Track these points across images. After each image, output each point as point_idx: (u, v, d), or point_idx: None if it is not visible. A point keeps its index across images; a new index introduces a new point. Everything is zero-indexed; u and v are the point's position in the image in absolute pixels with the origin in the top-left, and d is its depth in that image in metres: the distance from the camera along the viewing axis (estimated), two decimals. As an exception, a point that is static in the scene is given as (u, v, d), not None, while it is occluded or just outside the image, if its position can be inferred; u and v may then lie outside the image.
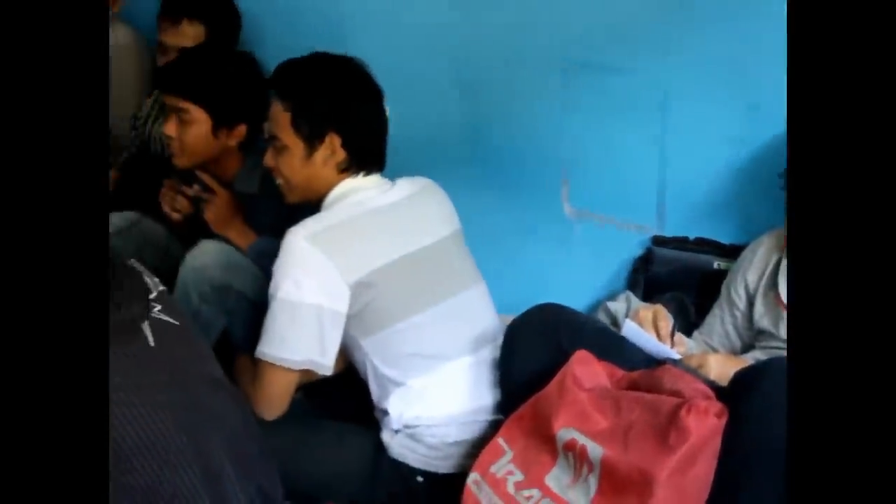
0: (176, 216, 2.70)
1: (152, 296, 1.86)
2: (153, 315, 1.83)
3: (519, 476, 1.92)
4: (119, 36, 3.28)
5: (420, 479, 2.17)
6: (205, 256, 2.40)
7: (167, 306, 1.89)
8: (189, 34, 2.96)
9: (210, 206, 2.57)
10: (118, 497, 1.72)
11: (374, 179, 2.21)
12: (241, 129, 2.54)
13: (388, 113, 2.28)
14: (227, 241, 2.53)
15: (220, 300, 2.39)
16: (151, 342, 1.79)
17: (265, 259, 2.40)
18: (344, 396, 2.30)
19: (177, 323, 1.88)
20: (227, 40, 3.05)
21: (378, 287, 2.09)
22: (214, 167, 2.61)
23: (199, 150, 2.52)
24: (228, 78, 2.51)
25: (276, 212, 2.45)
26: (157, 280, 1.94)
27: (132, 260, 1.93)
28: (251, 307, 2.40)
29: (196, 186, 2.60)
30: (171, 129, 2.50)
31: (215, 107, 2.47)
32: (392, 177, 2.24)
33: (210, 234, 2.54)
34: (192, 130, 2.49)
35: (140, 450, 1.73)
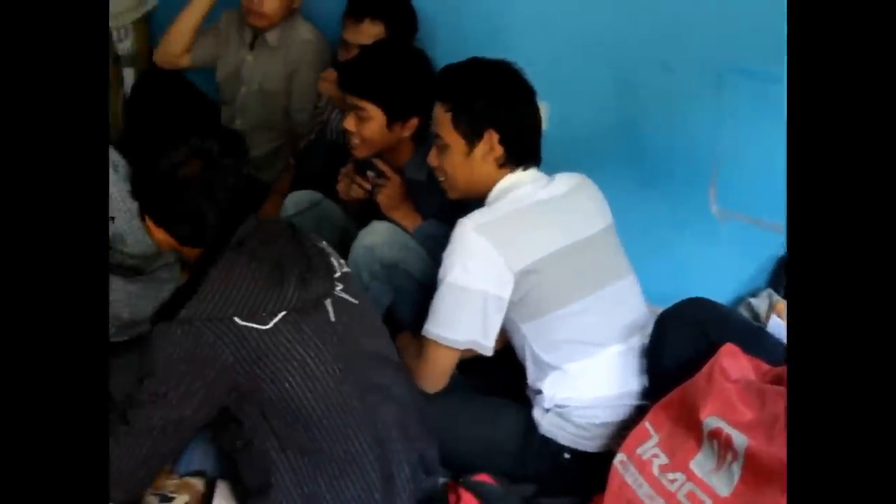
0: (351, 199, 2.78)
1: (336, 275, 1.90)
2: (336, 293, 1.88)
3: (664, 459, 1.92)
4: (301, 32, 3.36)
5: (567, 455, 2.17)
6: (375, 236, 2.47)
7: (348, 286, 1.94)
8: (370, 33, 3.00)
9: (382, 190, 2.64)
10: (299, 459, 1.82)
11: (532, 174, 2.21)
12: (414, 122, 2.59)
13: (545, 111, 2.29)
14: (396, 222, 2.59)
15: (389, 277, 2.46)
16: (332, 318, 1.85)
17: (430, 241, 2.49)
18: (499, 374, 2.31)
19: (356, 302, 1.93)
20: (405, 39, 3.08)
21: (540, 275, 2.09)
22: (388, 154, 2.67)
23: (375, 142, 2.59)
24: (402, 76, 2.56)
25: (442, 198, 2.49)
26: (343, 261, 1.99)
27: (324, 241, 1.99)
28: (416, 286, 2.46)
29: (371, 173, 2.67)
30: (350, 124, 2.58)
31: (390, 104, 2.53)
32: (550, 172, 2.25)
33: (381, 216, 2.62)
34: (369, 126, 2.56)
35: (322, 419, 1.80)
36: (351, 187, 2.75)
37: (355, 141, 2.60)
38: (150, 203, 1.88)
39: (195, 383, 1.72)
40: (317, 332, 1.80)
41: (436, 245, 2.40)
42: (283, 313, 1.76)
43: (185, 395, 1.72)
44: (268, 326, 1.74)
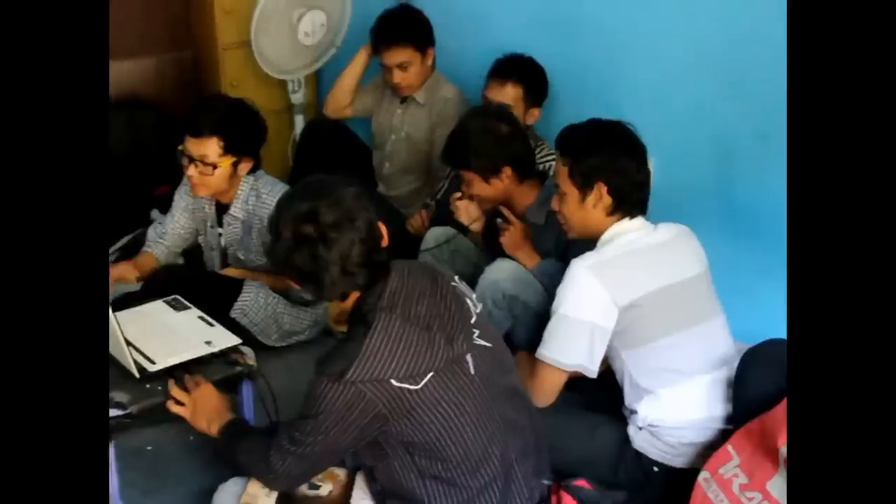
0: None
1: (473, 321, 1.91)
2: (474, 342, 1.89)
3: (744, 479, 1.92)
4: (444, 91, 3.45)
5: (656, 469, 2.19)
6: (500, 272, 2.56)
7: (483, 329, 1.94)
8: (511, 93, 3.08)
9: (506, 232, 2.70)
10: (434, 484, 1.87)
11: (639, 222, 2.23)
12: (508, 171, 2.66)
13: (652, 166, 2.29)
14: (518, 260, 2.66)
15: (509, 307, 2.54)
16: (472, 370, 1.86)
17: (546, 277, 2.54)
18: (600, 393, 2.32)
19: (490, 345, 1.94)
20: (538, 101, 3.16)
21: (641, 310, 2.12)
22: (511, 201, 2.74)
23: (484, 196, 2.71)
24: (490, 136, 2.64)
25: (557, 240, 2.57)
26: (474, 298, 1.99)
27: (456, 277, 1.99)
28: (532, 315, 2.53)
29: (499, 220, 2.75)
30: (463, 188, 2.74)
31: (478, 166, 2.63)
32: (655, 220, 2.26)
33: (504, 254, 2.70)
34: (473, 186, 2.69)
35: (458, 460, 1.84)
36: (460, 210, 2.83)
37: (475, 200, 2.73)
38: (300, 278, 1.85)
39: (352, 425, 1.77)
40: (459, 389, 1.82)
41: (551, 281, 2.44)
42: (431, 374, 1.78)
43: (342, 432, 1.78)
44: (418, 387, 1.76)
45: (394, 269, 1.85)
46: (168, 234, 3.07)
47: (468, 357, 1.86)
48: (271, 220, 1.84)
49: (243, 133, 2.75)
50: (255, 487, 1.97)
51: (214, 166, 2.71)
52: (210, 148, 2.69)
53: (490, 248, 2.82)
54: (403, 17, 3.36)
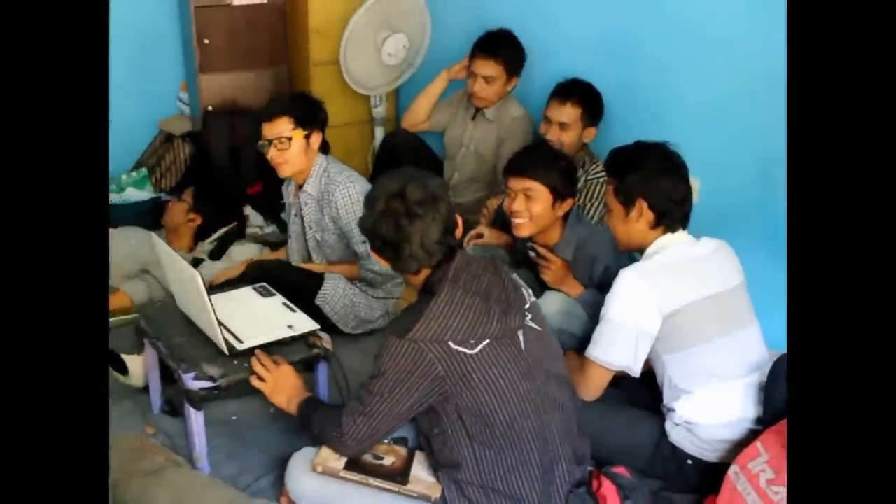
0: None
1: (527, 306, 1.97)
2: (526, 323, 1.95)
3: (770, 475, 1.91)
4: (512, 110, 3.49)
5: (690, 462, 2.18)
6: (549, 307, 2.54)
7: (535, 315, 2.00)
8: (570, 113, 3.09)
9: (547, 270, 2.64)
10: (482, 450, 1.90)
11: (681, 236, 2.22)
12: (569, 202, 2.63)
13: (697, 186, 2.29)
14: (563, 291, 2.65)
15: (558, 338, 2.42)
16: (522, 346, 1.91)
17: (588, 307, 2.56)
18: (642, 391, 2.34)
19: (540, 329, 1.99)
20: (595, 121, 3.17)
21: (683, 318, 2.12)
22: (541, 238, 2.68)
23: (541, 219, 2.59)
24: (564, 166, 2.61)
25: (585, 272, 2.60)
26: (530, 291, 2.05)
27: (515, 274, 2.05)
28: (577, 342, 2.53)
29: (532, 255, 2.70)
30: (519, 204, 2.59)
31: (554, 185, 2.56)
32: (698, 235, 2.25)
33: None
34: (537, 204, 2.57)
35: (505, 426, 1.87)
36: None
37: (521, 220, 2.58)
38: (386, 251, 1.92)
39: (413, 386, 1.83)
40: (510, 359, 1.87)
41: (592, 309, 2.48)
42: (487, 341, 1.83)
43: (406, 392, 1.84)
44: (474, 351, 1.81)
45: (459, 254, 1.93)
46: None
47: (520, 333, 1.91)
48: (367, 195, 1.94)
49: (308, 110, 2.88)
50: (326, 452, 2.04)
51: (289, 139, 2.83)
52: (282, 126, 2.83)
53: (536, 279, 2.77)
54: (508, 39, 3.41)
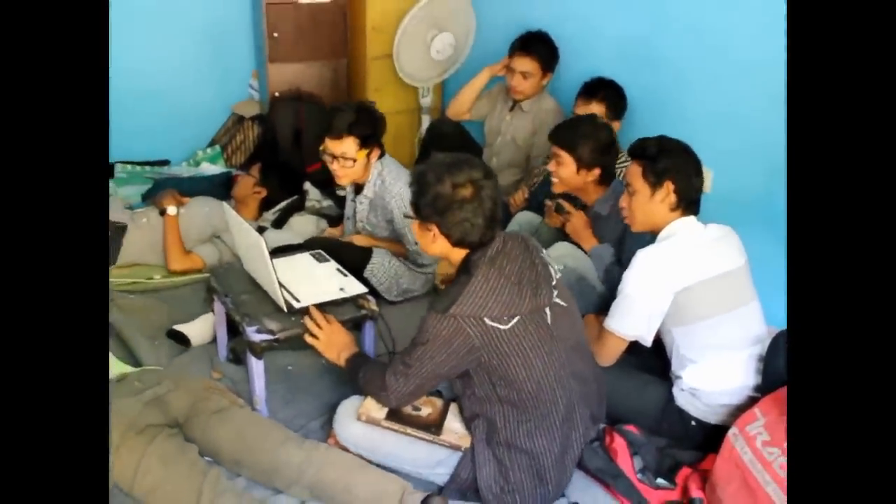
0: (554, 224, 2.91)
1: (553, 283, 1.94)
2: (553, 300, 1.93)
3: (766, 437, 1.90)
4: (546, 104, 3.47)
5: (694, 423, 2.18)
6: (557, 250, 2.64)
7: (561, 291, 1.98)
8: (595, 109, 3.05)
9: (569, 223, 2.74)
10: (510, 411, 1.91)
11: (692, 221, 2.18)
12: (596, 171, 2.66)
13: (709, 176, 2.27)
14: (577, 243, 2.71)
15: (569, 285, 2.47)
16: (549, 322, 1.90)
17: (597, 259, 2.58)
18: (652, 358, 2.31)
19: (565, 304, 1.97)
20: (618, 116, 3.14)
21: (692, 295, 2.10)
22: (581, 194, 2.75)
23: (567, 182, 2.69)
24: (595, 140, 2.63)
25: (615, 229, 2.58)
26: (557, 267, 2.02)
27: (544, 251, 2.02)
28: (592, 289, 2.54)
29: (560, 210, 2.81)
30: (551, 166, 2.70)
31: (605, 170, 2.64)
32: (712, 221, 2.23)
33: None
34: (564, 169, 2.67)
35: (531, 392, 1.88)
36: (552, 216, 2.89)
37: (555, 179, 2.70)
38: (436, 216, 1.87)
39: (452, 355, 1.83)
40: (538, 333, 1.86)
41: (600, 261, 2.54)
42: (518, 318, 1.82)
43: (445, 359, 1.84)
44: (507, 327, 1.81)
45: (497, 236, 1.91)
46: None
47: (547, 310, 1.90)
48: (421, 170, 1.90)
49: (371, 130, 2.81)
50: (370, 402, 2.05)
51: (354, 160, 2.79)
52: (347, 146, 2.77)
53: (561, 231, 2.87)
54: (544, 40, 3.40)
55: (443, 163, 1.88)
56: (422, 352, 1.85)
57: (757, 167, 2.71)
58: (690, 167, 2.16)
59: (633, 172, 2.22)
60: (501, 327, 1.80)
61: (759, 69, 2.66)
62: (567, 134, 2.65)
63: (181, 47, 4.12)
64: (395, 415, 2.04)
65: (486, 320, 1.79)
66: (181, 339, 2.69)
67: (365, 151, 2.80)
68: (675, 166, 2.14)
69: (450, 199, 1.83)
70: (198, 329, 2.70)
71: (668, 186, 2.14)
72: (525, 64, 3.37)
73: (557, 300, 1.94)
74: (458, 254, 1.92)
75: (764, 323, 2.22)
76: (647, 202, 2.18)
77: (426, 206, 1.87)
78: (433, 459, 2.00)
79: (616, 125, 3.13)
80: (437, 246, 1.93)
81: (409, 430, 2.01)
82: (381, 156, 2.90)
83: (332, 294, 2.34)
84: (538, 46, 3.37)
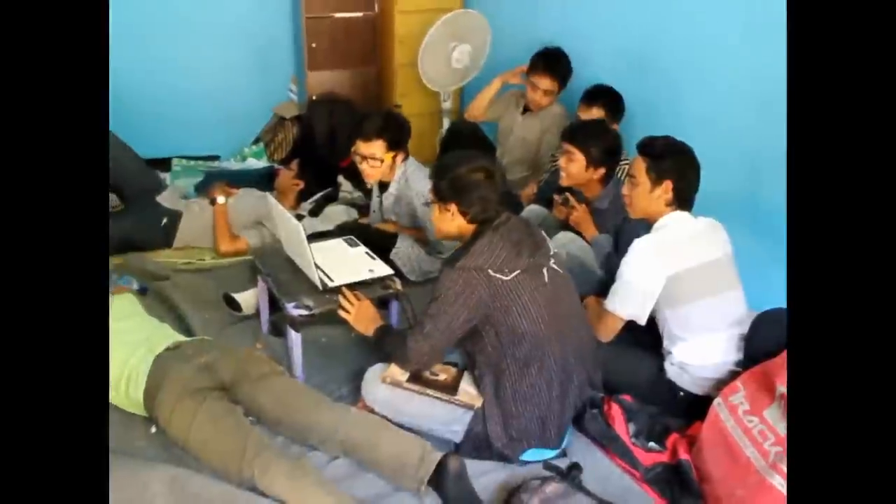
0: (560, 216, 2.92)
1: (551, 253, 1.99)
2: (550, 265, 1.96)
3: (747, 406, 1.90)
4: (555, 109, 3.47)
5: (682, 394, 2.18)
6: (560, 238, 2.66)
7: (558, 262, 2.02)
8: (596, 114, 3.05)
9: (574, 211, 2.76)
10: (513, 364, 1.92)
11: (685, 214, 2.16)
12: (602, 171, 2.68)
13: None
14: (579, 233, 2.73)
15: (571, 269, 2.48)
16: (546, 281, 1.93)
17: (597, 247, 2.58)
18: (646, 335, 2.28)
19: (561, 271, 2.01)
20: (617, 120, 3.12)
21: (682, 280, 2.09)
22: (586, 187, 2.76)
23: (575, 177, 2.70)
24: (605, 143, 2.66)
25: (615, 222, 2.59)
26: (556, 247, 2.07)
27: (543, 232, 2.06)
28: (592, 274, 2.54)
29: (564, 202, 2.84)
30: (563, 162, 2.70)
31: (589, 153, 2.65)
32: (697, 213, 2.20)
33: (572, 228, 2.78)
34: (574, 165, 2.68)
35: (531, 342, 1.89)
36: (559, 209, 2.89)
37: (563, 174, 2.70)
38: (455, 196, 1.96)
39: (464, 304, 1.87)
40: (536, 288, 1.89)
41: (599, 250, 2.53)
42: (518, 271, 1.86)
43: (458, 310, 1.87)
44: (508, 278, 1.85)
45: (503, 216, 1.97)
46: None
47: (545, 270, 1.94)
48: (440, 161, 2.05)
49: (398, 134, 2.81)
50: (394, 368, 2.08)
51: (381, 161, 2.79)
52: (376, 148, 2.76)
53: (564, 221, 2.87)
54: (563, 59, 3.38)
55: (457, 154, 2.00)
56: (437, 306, 1.89)
57: (740, 166, 2.70)
58: (691, 170, 2.13)
59: (637, 165, 2.17)
60: (504, 278, 1.85)
61: (743, 79, 2.64)
62: (581, 134, 2.67)
63: (231, 56, 4.20)
64: (416, 378, 2.05)
65: (490, 272, 1.84)
66: (233, 305, 2.73)
67: (392, 154, 2.80)
68: (677, 168, 2.12)
69: (467, 180, 1.93)
70: (247, 297, 2.75)
71: (668, 185, 2.12)
72: (548, 83, 3.36)
73: (555, 266, 1.98)
74: (471, 230, 1.99)
75: (746, 306, 2.21)
76: (647, 195, 2.15)
77: (447, 187, 1.96)
78: (450, 417, 2.02)
79: (615, 128, 3.10)
80: (453, 224, 2.00)
81: (428, 390, 2.03)
82: (406, 158, 2.91)
83: (362, 275, 2.35)
84: (560, 67, 3.36)
